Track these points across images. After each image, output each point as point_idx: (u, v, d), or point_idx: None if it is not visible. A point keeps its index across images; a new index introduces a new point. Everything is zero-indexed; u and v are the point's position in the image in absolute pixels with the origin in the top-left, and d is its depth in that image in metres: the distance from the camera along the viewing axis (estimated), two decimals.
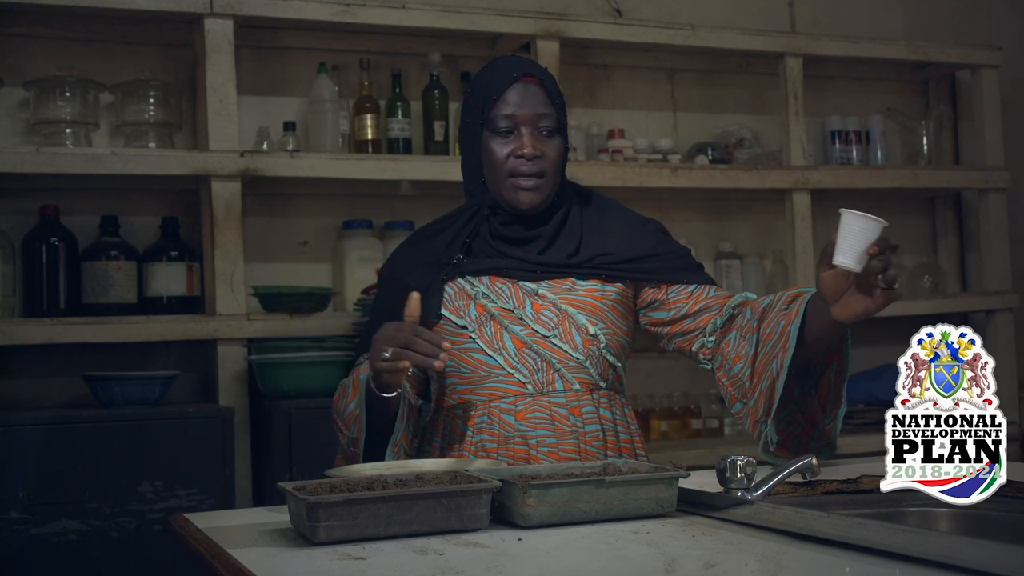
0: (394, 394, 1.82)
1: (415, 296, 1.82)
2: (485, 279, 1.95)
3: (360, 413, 1.84)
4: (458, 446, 1.91)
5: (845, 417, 2.92)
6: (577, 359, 1.91)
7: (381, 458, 1.85)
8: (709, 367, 1.97)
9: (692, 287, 1.98)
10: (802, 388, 1.88)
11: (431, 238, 2.02)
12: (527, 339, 1.90)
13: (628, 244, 1.99)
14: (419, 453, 1.98)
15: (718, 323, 1.94)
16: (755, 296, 1.97)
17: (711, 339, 1.94)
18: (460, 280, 1.95)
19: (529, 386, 1.90)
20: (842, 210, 1.66)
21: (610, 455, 1.91)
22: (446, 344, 1.75)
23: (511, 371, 1.90)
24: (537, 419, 1.89)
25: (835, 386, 1.86)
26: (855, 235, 1.64)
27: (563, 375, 1.91)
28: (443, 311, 1.94)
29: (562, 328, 1.91)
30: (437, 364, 1.73)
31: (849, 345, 1.84)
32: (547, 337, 1.91)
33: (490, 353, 1.90)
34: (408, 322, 1.78)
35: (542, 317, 1.92)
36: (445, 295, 1.95)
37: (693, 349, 1.97)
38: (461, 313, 1.93)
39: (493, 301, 1.93)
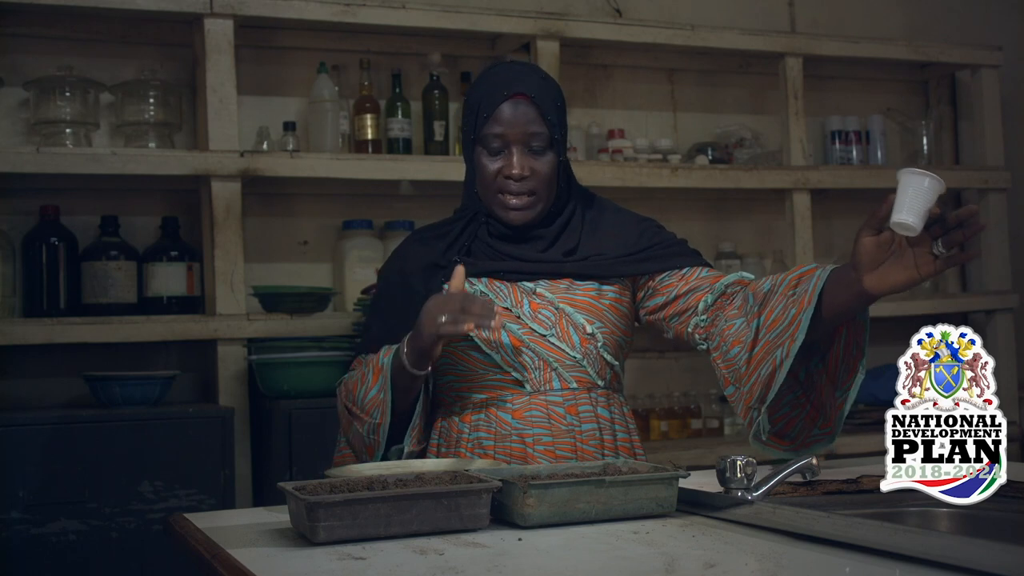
0: (426, 372, 1.83)
1: (460, 269, 1.85)
2: (484, 279, 1.96)
3: (385, 397, 1.85)
4: (454, 443, 1.92)
5: (845, 417, 2.83)
6: (574, 358, 1.91)
7: (399, 443, 1.87)
8: (705, 347, 1.91)
9: (684, 269, 1.96)
10: (808, 368, 1.81)
11: (432, 240, 2.03)
12: (524, 338, 1.91)
13: (623, 243, 1.99)
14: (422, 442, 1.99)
15: (709, 300, 1.90)
16: (752, 276, 1.91)
17: (703, 317, 1.90)
18: None
19: (527, 385, 1.90)
20: (901, 170, 1.54)
21: (607, 454, 1.91)
22: (498, 308, 1.76)
23: (508, 369, 1.90)
24: (534, 418, 1.89)
25: (845, 358, 1.77)
26: (919, 194, 1.51)
27: (560, 374, 1.91)
28: None
29: (559, 327, 1.92)
30: (494, 324, 1.75)
31: (867, 315, 1.74)
32: (544, 336, 1.91)
33: (487, 351, 1.90)
34: (455, 292, 1.80)
35: (540, 316, 1.92)
36: None
37: (688, 330, 1.93)
38: None
39: (491, 299, 1.93)
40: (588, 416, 1.92)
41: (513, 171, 1.90)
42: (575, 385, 1.92)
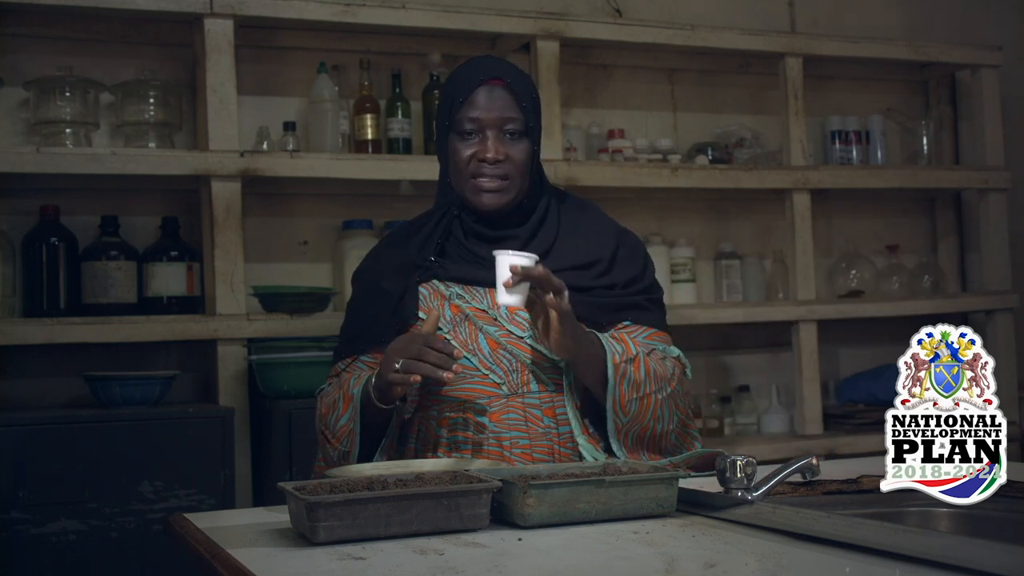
0: (393, 406, 1.82)
1: (434, 314, 1.85)
2: (459, 285, 1.95)
3: (354, 428, 1.85)
4: (432, 447, 1.90)
5: (845, 417, 2.92)
6: (552, 360, 1.90)
7: (371, 459, 1.86)
8: None
9: (626, 321, 1.98)
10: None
11: (404, 241, 2.02)
12: (502, 340, 1.90)
13: (599, 250, 1.99)
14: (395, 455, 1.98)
15: None
16: (676, 352, 2.05)
17: None
18: (434, 281, 1.96)
19: (504, 387, 1.89)
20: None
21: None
22: (457, 353, 1.76)
23: (486, 372, 1.89)
24: (511, 420, 1.87)
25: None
26: (500, 275, 1.76)
27: (538, 376, 1.90)
28: (419, 313, 1.93)
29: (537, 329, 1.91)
30: (446, 376, 1.74)
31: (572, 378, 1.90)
32: (523, 338, 1.90)
33: (465, 354, 1.89)
34: (420, 333, 1.79)
35: (517, 318, 1.91)
36: (420, 297, 1.95)
37: None
38: None
39: (468, 302, 1.93)
40: (564, 419, 1.91)
41: (488, 154, 1.90)
42: (553, 387, 1.91)
